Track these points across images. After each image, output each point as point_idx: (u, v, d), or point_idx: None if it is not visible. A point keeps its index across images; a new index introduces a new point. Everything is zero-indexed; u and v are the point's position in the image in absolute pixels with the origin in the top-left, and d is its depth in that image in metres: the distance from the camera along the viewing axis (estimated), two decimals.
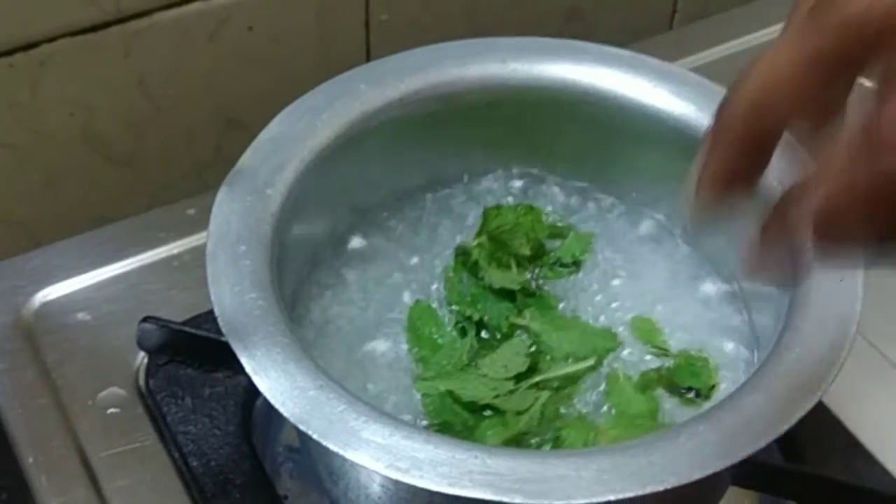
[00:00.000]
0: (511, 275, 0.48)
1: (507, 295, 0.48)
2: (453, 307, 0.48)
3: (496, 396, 0.44)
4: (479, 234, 0.50)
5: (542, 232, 0.50)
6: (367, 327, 0.49)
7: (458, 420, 0.44)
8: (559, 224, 0.52)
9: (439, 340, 0.47)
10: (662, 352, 0.48)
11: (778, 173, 0.47)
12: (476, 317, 0.47)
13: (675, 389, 0.47)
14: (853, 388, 0.56)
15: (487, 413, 0.45)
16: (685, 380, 0.47)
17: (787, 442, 0.53)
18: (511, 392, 0.45)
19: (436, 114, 0.51)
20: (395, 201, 0.53)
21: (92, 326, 0.57)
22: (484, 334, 0.48)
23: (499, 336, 0.47)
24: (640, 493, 0.37)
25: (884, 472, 0.53)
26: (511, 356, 0.46)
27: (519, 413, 0.44)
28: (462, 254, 0.49)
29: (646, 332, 0.48)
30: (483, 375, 0.45)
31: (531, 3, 0.76)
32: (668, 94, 0.50)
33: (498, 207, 0.50)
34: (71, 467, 0.52)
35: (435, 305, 0.49)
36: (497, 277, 0.47)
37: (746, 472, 0.49)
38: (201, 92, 0.69)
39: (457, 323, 0.48)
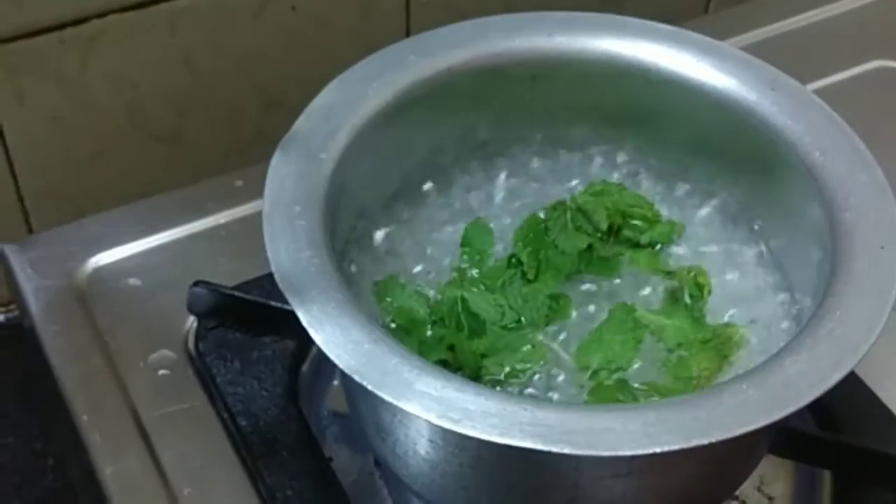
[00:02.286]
0: (574, 240, 0.50)
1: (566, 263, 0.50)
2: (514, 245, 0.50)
3: (495, 324, 0.47)
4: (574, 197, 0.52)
5: (628, 212, 0.52)
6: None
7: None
8: (652, 210, 0.52)
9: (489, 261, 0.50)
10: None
11: (820, 143, 0.49)
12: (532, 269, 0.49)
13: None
14: (889, 362, 0.57)
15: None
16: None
17: (823, 414, 0.54)
18: (511, 329, 0.47)
19: (482, 84, 0.52)
20: (441, 168, 0.54)
21: (142, 291, 0.59)
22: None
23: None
24: (684, 446, 0.38)
25: None
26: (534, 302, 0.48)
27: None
28: (554, 208, 0.51)
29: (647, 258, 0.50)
30: (500, 304, 0.48)
31: None
32: (711, 68, 0.51)
33: (604, 181, 0.52)
34: (123, 426, 0.53)
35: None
36: (562, 239, 0.50)
37: (783, 441, 0.50)
38: (244, 70, 0.70)
39: (510, 256, 0.50)
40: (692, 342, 0.48)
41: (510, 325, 0.48)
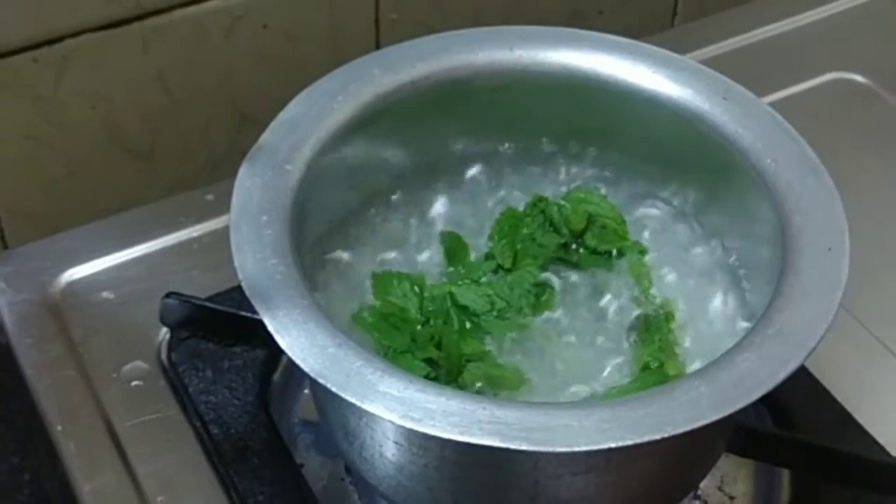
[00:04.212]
0: (552, 235, 0.52)
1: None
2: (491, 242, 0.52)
3: (485, 314, 0.49)
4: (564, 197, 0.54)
5: (599, 221, 0.53)
6: None
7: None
8: (622, 227, 0.54)
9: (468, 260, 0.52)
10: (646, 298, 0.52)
11: (771, 149, 0.50)
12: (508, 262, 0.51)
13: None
14: (844, 364, 0.58)
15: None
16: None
17: (781, 413, 0.56)
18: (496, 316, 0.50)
19: (445, 97, 0.53)
20: (406, 179, 0.55)
21: (115, 304, 0.60)
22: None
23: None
24: (637, 441, 0.40)
25: (873, 441, 0.55)
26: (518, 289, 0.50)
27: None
28: (535, 203, 0.53)
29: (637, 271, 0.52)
30: (487, 294, 0.49)
31: (535, 3, 0.79)
32: (666, 79, 0.53)
33: (587, 190, 0.54)
34: (97, 436, 0.54)
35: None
36: (540, 234, 0.52)
37: (741, 440, 0.51)
38: (217, 87, 0.71)
39: (487, 254, 0.52)
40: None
41: (499, 314, 0.50)
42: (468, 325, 0.49)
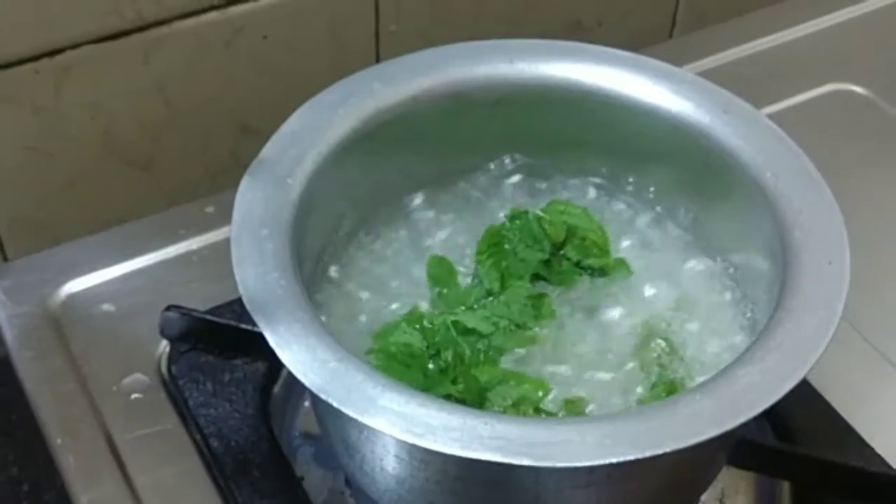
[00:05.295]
0: (534, 250, 0.52)
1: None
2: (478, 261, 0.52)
3: (495, 331, 0.49)
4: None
5: (580, 234, 0.53)
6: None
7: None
8: (604, 241, 0.53)
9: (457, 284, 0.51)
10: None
11: (772, 163, 0.51)
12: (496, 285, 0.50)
13: None
14: (845, 376, 0.58)
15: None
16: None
17: (782, 426, 0.56)
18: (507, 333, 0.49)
19: (446, 110, 0.53)
20: (406, 192, 0.55)
21: (116, 317, 0.60)
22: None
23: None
24: (639, 456, 0.40)
25: (873, 453, 0.55)
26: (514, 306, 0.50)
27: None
28: (514, 217, 0.53)
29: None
30: (486, 317, 0.49)
31: (535, 15, 0.79)
32: (667, 92, 0.53)
33: (566, 202, 0.54)
34: (97, 449, 0.54)
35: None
36: (522, 248, 0.51)
37: (742, 453, 0.51)
38: (217, 98, 0.71)
39: (474, 278, 0.51)
40: None
41: (504, 329, 0.49)
42: (480, 346, 0.49)
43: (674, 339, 0.50)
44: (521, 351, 0.49)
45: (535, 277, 0.52)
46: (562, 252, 0.52)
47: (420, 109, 0.53)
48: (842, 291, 0.45)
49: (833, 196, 0.49)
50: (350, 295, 0.52)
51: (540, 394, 0.47)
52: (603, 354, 0.50)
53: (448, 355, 0.48)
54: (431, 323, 0.49)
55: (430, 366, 0.48)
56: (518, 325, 0.50)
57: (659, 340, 0.50)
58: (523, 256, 0.51)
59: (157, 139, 0.71)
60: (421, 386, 0.47)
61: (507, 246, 0.52)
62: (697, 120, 0.52)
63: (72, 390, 0.56)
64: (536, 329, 0.50)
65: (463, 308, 0.50)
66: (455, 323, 0.49)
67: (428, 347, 0.48)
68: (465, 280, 0.52)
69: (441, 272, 0.52)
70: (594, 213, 0.54)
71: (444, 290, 0.51)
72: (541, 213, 0.53)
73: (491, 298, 0.50)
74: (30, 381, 0.57)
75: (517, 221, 0.52)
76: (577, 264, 0.53)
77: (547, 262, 0.52)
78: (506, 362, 0.49)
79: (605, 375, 0.49)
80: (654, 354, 0.50)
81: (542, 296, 0.51)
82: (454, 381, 0.47)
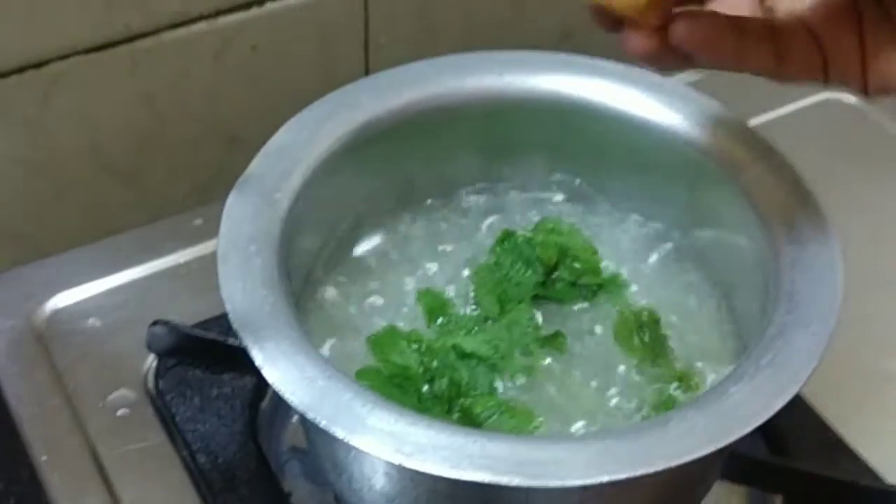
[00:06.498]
0: (527, 273, 0.51)
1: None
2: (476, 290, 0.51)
3: (495, 354, 0.48)
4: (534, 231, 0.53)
5: (571, 253, 0.52)
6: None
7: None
8: (594, 258, 0.53)
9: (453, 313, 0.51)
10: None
11: (758, 175, 0.50)
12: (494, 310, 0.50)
13: None
14: (838, 390, 0.58)
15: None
16: None
17: (775, 440, 0.55)
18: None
19: (435, 124, 0.53)
20: (396, 206, 0.55)
21: (102, 331, 0.59)
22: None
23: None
24: (630, 475, 0.39)
25: (867, 468, 0.55)
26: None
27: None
28: (503, 239, 0.52)
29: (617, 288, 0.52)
30: (487, 341, 0.48)
31: (525, 26, 0.79)
32: (657, 104, 0.53)
33: (556, 219, 0.53)
34: (83, 466, 0.54)
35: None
36: (514, 270, 0.51)
37: (735, 467, 0.51)
38: (205, 110, 0.71)
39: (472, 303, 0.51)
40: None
41: (504, 356, 0.49)
42: (478, 368, 0.48)
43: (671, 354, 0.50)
44: (522, 379, 0.49)
45: (536, 297, 0.51)
46: (555, 274, 0.52)
47: (409, 122, 0.52)
48: (835, 307, 0.45)
49: (825, 208, 0.48)
50: (339, 311, 0.51)
51: (532, 426, 0.46)
52: (601, 376, 0.50)
53: (444, 383, 0.47)
54: (430, 347, 0.48)
55: (425, 389, 0.48)
56: (520, 349, 0.49)
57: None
58: (518, 280, 0.51)
59: (144, 151, 0.70)
60: (415, 410, 0.46)
61: (498, 273, 0.51)
62: (687, 132, 0.52)
63: (57, 405, 0.56)
64: (537, 360, 0.49)
65: (463, 333, 0.49)
66: (454, 346, 0.48)
67: (424, 372, 0.48)
68: (458, 301, 0.52)
69: (434, 305, 0.51)
70: (583, 228, 0.54)
71: (442, 319, 0.51)
72: (529, 235, 0.52)
73: (489, 323, 0.50)
74: (14, 397, 0.56)
75: (506, 244, 0.52)
76: (573, 284, 0.52)
77: (543, 283, 0.52)
78: (509, 389, 0.49)
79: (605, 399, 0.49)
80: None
81: (557, 334, 0.50)
82: (449, 410, 0.47)
